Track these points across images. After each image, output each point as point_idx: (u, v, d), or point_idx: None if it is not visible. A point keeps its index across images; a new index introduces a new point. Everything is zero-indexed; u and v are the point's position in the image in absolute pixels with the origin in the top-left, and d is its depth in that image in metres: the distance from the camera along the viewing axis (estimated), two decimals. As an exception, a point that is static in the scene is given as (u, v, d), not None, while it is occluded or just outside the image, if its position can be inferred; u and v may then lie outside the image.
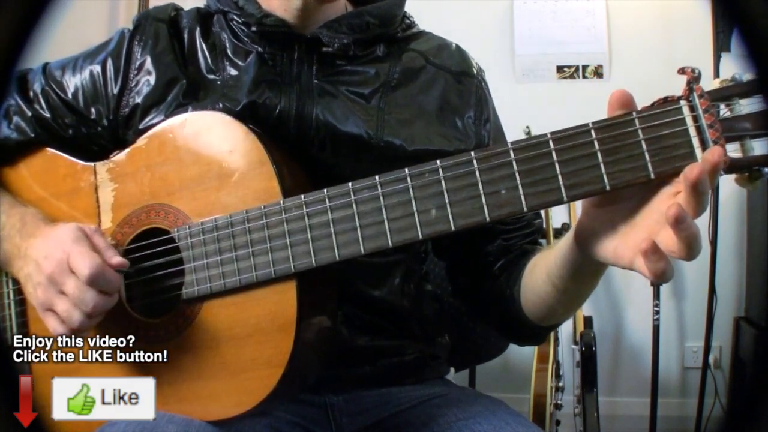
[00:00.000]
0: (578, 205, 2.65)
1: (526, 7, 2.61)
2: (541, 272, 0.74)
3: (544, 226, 2.19)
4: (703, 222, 2.36)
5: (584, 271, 0.68)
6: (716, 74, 2.12)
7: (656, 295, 2.27)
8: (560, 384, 2.11)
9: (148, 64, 0.86)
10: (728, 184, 2.37)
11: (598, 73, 2.56)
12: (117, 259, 0.72)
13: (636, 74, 2.44)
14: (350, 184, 0.67)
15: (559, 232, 2.28)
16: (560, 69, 2.58)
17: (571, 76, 2.57)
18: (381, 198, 0.65)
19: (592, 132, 0.59)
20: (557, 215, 2.34)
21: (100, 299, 0.70)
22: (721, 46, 2.16)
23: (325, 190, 0.68)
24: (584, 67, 2.57)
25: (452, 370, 1.10)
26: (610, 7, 2.58)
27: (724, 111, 0.57)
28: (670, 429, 2.39)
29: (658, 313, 2.26)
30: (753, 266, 2.30)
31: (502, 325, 0.88)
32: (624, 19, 2.57)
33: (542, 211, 1.92)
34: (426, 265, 1.00)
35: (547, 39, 2.59)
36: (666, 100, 0.59)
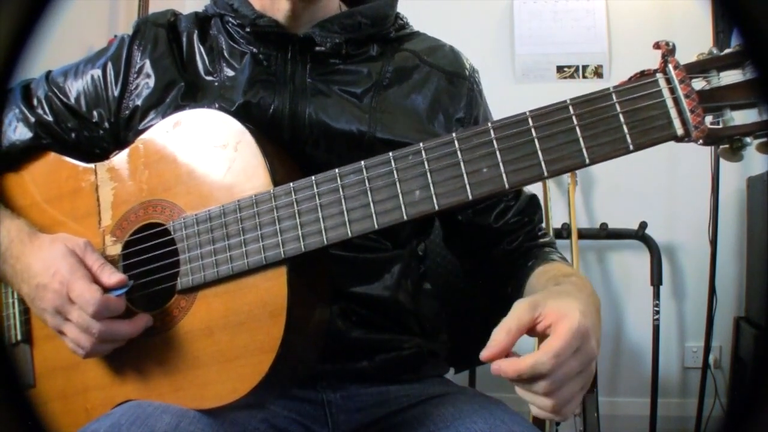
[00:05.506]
0: (578, 206, 2.64)
1: (526, 7, 2.61)
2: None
3: (544, 225, 2.19)
4: (703, 222, 2.37)
5: None
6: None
7: (656, 295, 2.27)
8: (560, 384, 2.10)
9: (148, 67, 0.87)
10: (728, 184, 2.38)
11: (598, 73, 2.56)
12: (115, 278, 0.74)
13: (636, 74, 2.44)
14: (337, 169, 0.69)
15: (559, 233, 2.28)
16: (560, 69, 2.58)
17: (571, 76, 2.57)
18: (366, 181, 0.67)
19: (570, 108, 0.61)
20: (557, 215, 2.34)
21: (105, 325, 0.72)
22: (721, 46, 2.16)
23: (312, 177, 0.69)
24: (584, 67, 2.57)
25: (452, 370, 1.10)
26: (610, 7, 2.57)
27: (702, 83, 0.59)
28: (670, 429, 2.39)
29: (658, 313, 2.27)
30: (753, 266, 2.30)
31: None
32: (624, 19, 2.57)
33: (542, 211, 1.94)
34: (425, 264, 1.01)
35: (547, 39, 2.59)
36: (642, 74, 0.60)
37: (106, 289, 0.73)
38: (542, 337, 0.62)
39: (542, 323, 0.62)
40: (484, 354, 0.60)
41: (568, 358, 0.59)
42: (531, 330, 0.63)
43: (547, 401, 0.60)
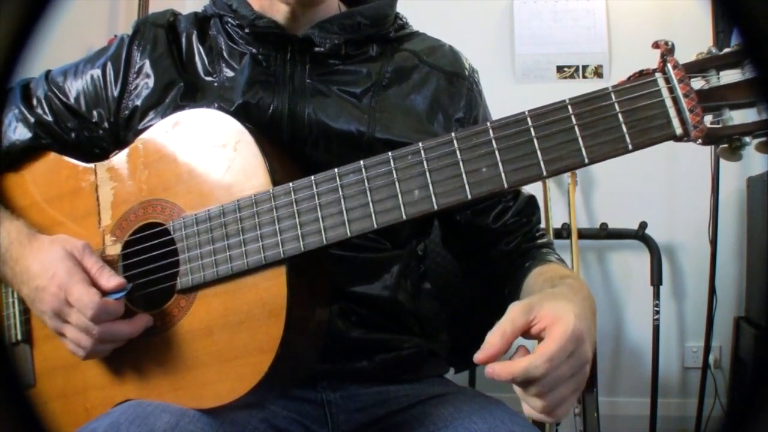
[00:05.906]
0: (578, 206, 2.64)
1: (526, 7, 2.61)
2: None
3: (544, 225, 2.19)
4: (703, 222, 2.37)
5: None
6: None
7: (656, 295, 2.27)
8: (560, 384, 2.10)
9: (147, 67, 0.87)
10: (728, 184, 2.38)
11: (598, 73, 2.56)
12: (113, 282, 0.74)
13: (636, 74, 2.44)
14: (336, 169, 0.69)
15: (559, 233, 2.28)
16: (560, 69, 2.58)
17: (571, 76, 2.57)
18: (365, 181, 0.67)
19: (569, 107, 0.61)
20: (557, 215, 2.34)
21: (105, 327, 0.72)
22: (720, 46, 2.16)
23: (312, 176, 0.69)
24: (584, 67, 2.57)
25: (452, 370, 1.09)
26: (610, 7, 2.57)
27: (701, 83, 0.59)
28: (670, 429, 2.39)
29: (658, 313, 2.27)
30: (753, 266, 2.30)
31: None
32: (624, 19, 2.57)
33: (542, 212, 1.94)
34: (425, 264, 1.01)
35: (547, 39, 2.59)
36: (641, 74, 0.60)
37: (104, 292, 0.73)
38: (539, 339, 0.62)
39: (537, 326, 0.62)
40: (478, 357, 0.60)
41: (561, 362, 0.59)
42: (526, 332, 0.63)
43: (538, 402, 0.60)
